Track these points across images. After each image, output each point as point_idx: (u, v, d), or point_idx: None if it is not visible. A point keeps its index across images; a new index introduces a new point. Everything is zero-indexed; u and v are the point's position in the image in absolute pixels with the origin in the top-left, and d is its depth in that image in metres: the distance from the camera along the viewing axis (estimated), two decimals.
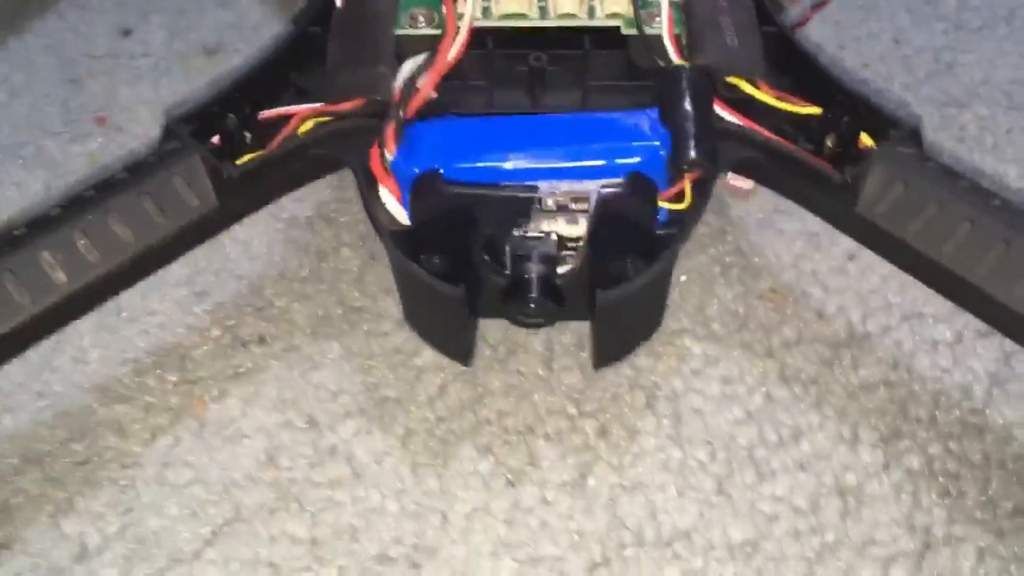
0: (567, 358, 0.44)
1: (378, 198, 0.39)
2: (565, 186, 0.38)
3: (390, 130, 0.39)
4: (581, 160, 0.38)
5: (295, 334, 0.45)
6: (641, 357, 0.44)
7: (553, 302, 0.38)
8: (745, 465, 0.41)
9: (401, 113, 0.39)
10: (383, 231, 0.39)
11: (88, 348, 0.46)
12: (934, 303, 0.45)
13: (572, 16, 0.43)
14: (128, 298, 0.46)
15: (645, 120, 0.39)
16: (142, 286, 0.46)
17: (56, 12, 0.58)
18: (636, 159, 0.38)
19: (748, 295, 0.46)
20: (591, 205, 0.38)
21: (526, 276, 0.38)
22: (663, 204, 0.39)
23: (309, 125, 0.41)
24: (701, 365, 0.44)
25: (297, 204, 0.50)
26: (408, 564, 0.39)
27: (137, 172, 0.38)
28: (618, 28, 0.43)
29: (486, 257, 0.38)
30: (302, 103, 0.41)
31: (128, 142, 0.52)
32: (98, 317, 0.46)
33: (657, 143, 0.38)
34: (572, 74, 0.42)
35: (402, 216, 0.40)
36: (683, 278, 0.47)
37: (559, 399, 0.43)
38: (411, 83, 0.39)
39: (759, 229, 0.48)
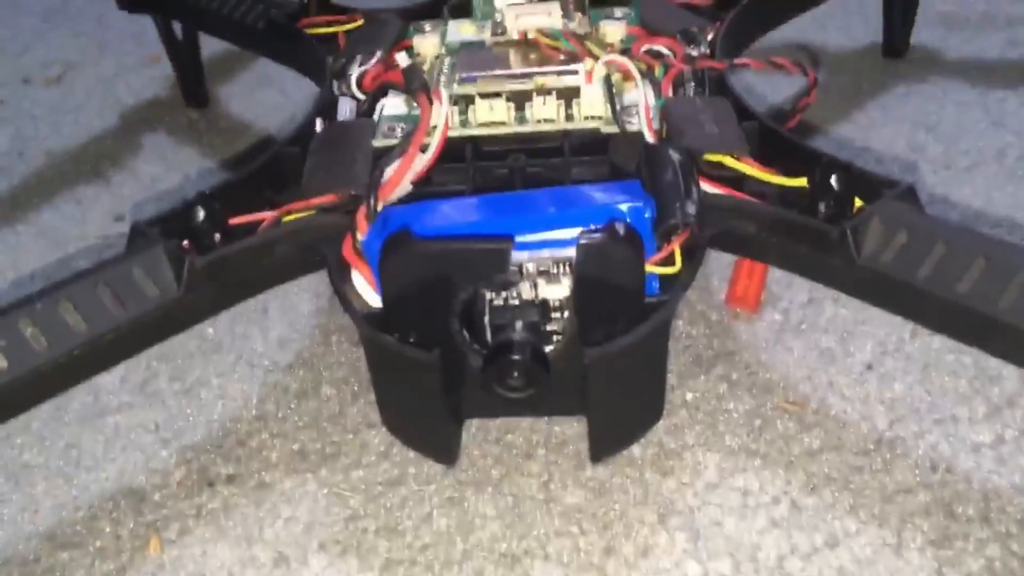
0: (566, 478, 0.40)
1: (350, 282, 0.37)
2: (547, 252, 0.35)
3: (361, 212, 0.37)
4: (562, 226, 0.35)
5: (268, 471, 0.41)
6: (648, 473, 0.40)
7: (539, 367, 0.34)
8: None
9: (373, 199, 0.37)
10: (354, 312, 0.36)
11: (40, 497, 0.42)
12: (967, 407, 0.42)
13: (551, 121, 0.43)
14: (89, 446, 0.43)
15: (627, 187, 0.37)
16: (105, 433, 0.43)
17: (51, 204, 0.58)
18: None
19: (761, 408, 0.42)
20: (572, 263, 0.35)
21: (508, 340, 0.34)
22: (652, 269, 0.36)
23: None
24: (716, 478, 0.39)
25: (277, 351, 0.47)
26: None
27: (99, 265, 0.36)
28: (597, 129, 0.42)
29: (464, 332, 0.35)
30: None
31: None
32: (55, 465, 0.42)
33: (641, 203, 0.36)
34: (554, 178, 0.41)
35: (375, 301, 0.37)
36: (688, 396, 0.43)
37: (559, 520, 0.38)
38: (381, 174, 0.38)
39: (768, 348, 0.45)
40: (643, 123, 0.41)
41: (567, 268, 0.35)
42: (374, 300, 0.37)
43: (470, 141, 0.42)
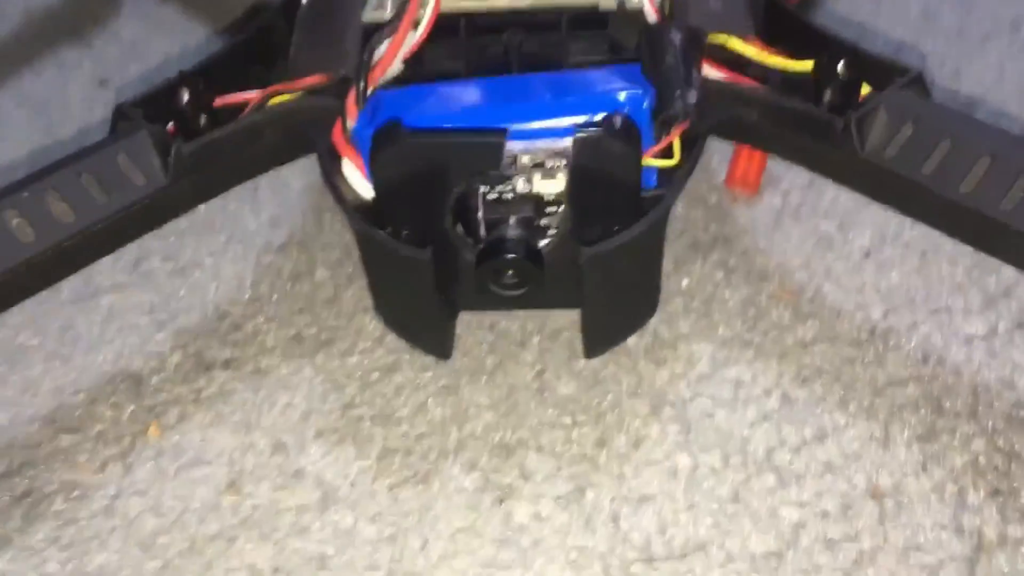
0: (560, 368, 0.40)
1: (340, 172, 0.36)
2: (542, 143, 0.34)
3: (351, 97, 0.36)
4: (558, 115, 0.34)
5: (264, 356, 0.42)
6: (642, 363, 0.40)
7: (532, 264, 0.34)
8: (764, 469, 0.36)
9: (362, 83, 0.36)
10: (346, 204, 0.36)
11: (38, 378, 0.42)
12: (963, 297, 0.41)
13: None
14: (84, 328, 0.42)
15: (626, 73, 0.35)
16: (100, 314, 0.43)
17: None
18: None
19: (757, 296, 0.42)
20: (568, 156, 0.34)
21: (502, 237, 0.34)
22: (650, 162, 0.35)
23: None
24: (709, 369, 0.40)
25: (269, 231, 0.47)
26: None
27: (83, 152, 0.35)
28: (596, 6, 0.40)
29: (458, 227, 0.34)
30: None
31: None
32: (51, 347, 0.42)
33: (639, 91, 0.35)
34: (551, 56, 0.39)
35: (367, 191, 0.36)
36: (684, 282, 0.43)
37: (552, 410, 0.39)
38: (371, 55, 0.36)
39: (766, 233, 0.45)
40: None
41: (563, 161, 0.34)
42: (365, 190, 0.36)
43: (464, 15, 0.40)
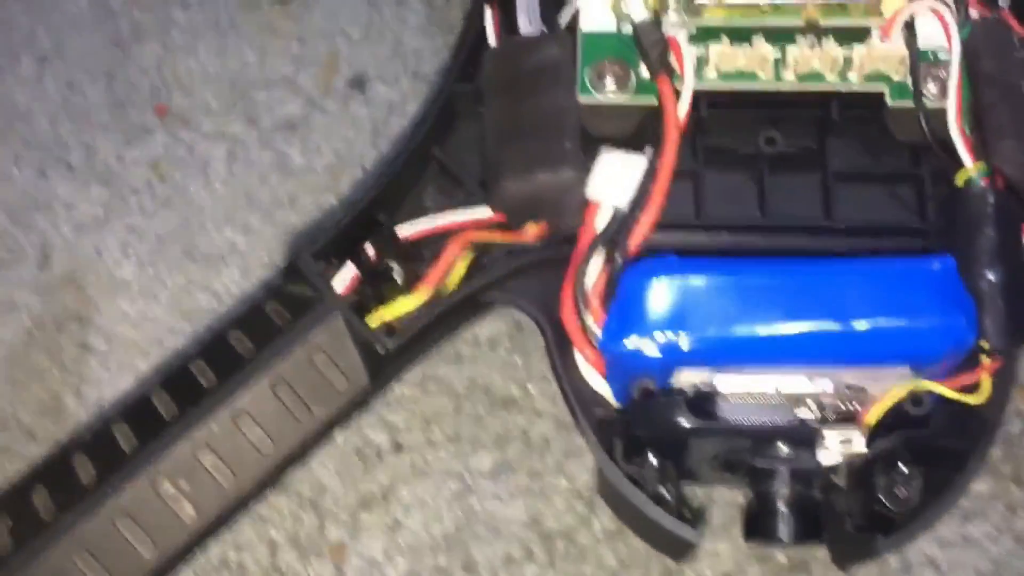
0: None
1: (574, 364, 0.30)
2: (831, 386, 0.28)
3: (596, 295, 0.29)
4: (863, 359, 0.28)
5: None
6: None
7: (808, 534, 0.30)
8: None
9: (619, 258, 0.28)
10: (584, 415, 0.30)
11: None
12: None
13: (818, 77, 0.31)
14: None
15: (946, 283, 0.28)
16: None
17: None
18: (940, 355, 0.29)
19: None
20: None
21: (772, 495, 0.29)
22: (949, 393, 0.30)
23: (468, 260, 0.31)
24: None
25: None
26: None
27: (266, 343, 0.29)
28: (881, 95, 0.31)
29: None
30: (446, 201, 0.32)
31: (197, 142, 0.41)
32: None
33: (964, 321, 0.28)
34: (803, 154, 0.31)
35: (606, 389, 0.30)
36: None
37: None
38: (628, 216, 0.28)
39: None
40: (952, 99, 0.31)
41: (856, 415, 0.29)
42: (605, 388, 0.31)
43: (706, 97, 0.32)
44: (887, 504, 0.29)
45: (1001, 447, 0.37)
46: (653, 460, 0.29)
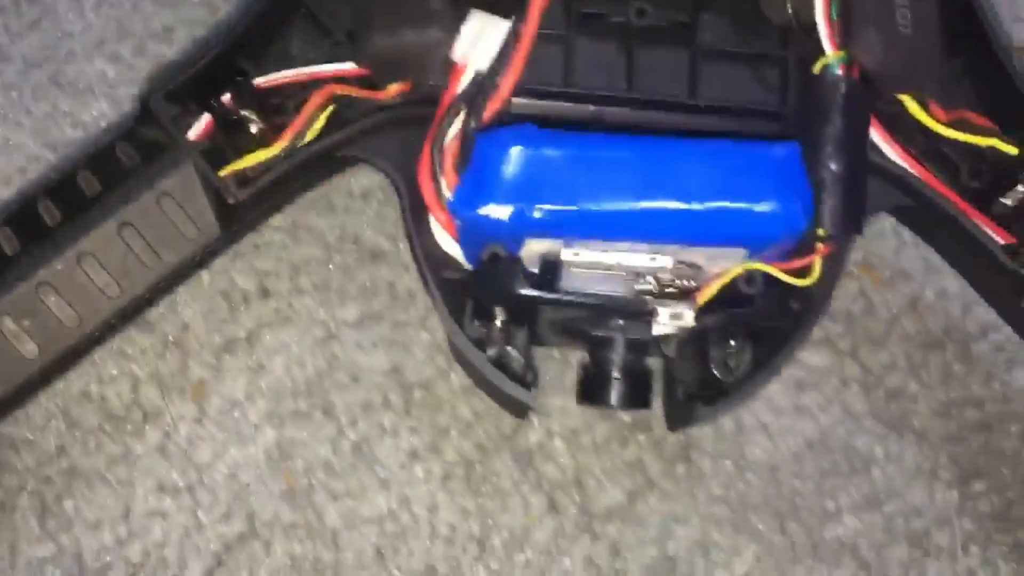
0: None
1: (427, 227, 0.30)
2: (670, 262, 0.29)
3: (449, 159, 0.29)
4: (702, 240, 0.29)
5: None
6: None
7: (636, 401, 0.31)
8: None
9: (473, 123, 0.29)
10: (432, 277, 0.31)
11: None
12: None
13: None
14: None
15: (787, 170, 0.29)
16: None
17: None
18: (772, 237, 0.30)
19: None
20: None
21: (606, 362, 0.31)
22: (780, 274, 0.31)
23: (327, 113, 0.30)
24: None
25: None
26: None
27: (115, 185, 0.29)
28: None
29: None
30: (312, 55, 0.31)
31: None
32: None
33: (799, 208, 0.29)
34: (675, 28, 0.31)
35: (457, 251, 0.31)
36: None
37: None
38: (487, 78, 0.29)
39: None
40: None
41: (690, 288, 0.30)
42: (456, 251, 0.31)
43: None
44: (717, 374, 0.31)
45: (842, 324, 0.39)
46: (499, 323, 0.30)
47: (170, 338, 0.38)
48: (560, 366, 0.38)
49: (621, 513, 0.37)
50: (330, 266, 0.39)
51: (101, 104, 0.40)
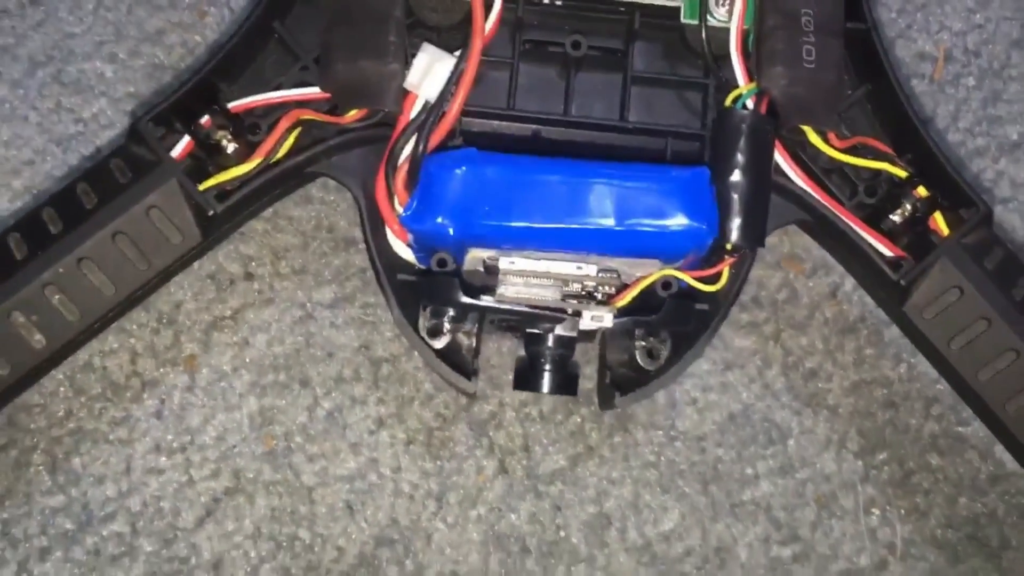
0: None
1: (383, 235, 0.35)
2: (594, 271, 0.34)
3: (401, 179, 0.33)
4: (621, 252, 0.33)
5: None
6: None
7: (564, 387, 0.36)
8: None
9: (420, 148, 0.33)
10: (387, 279, 0.35)
11: None
12: None
13: None
14: None
15: (693, 193, 0.33)
16: None
17: None
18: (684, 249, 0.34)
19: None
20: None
21: (539, 355, 0.36)
22: (690, 280, 0.35)
23: (295, 135, 0.35)
24: None
25: None
26: None
27: (109, 198, 0.34)
28: (677, 9, 0.35)
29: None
30: (282, 78, 0.35)
31: None
32: None
33: (704, 227, 0.33)
34: (609, 56, 0.35)
35: (410, 256, 0.36)
36: None
37: None
38: (434, 108, 0.33)
39: None
40: (734, 21, 0.35)
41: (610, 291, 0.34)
42: (409, 255, 0.36)
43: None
44: (640, 363, 0.35)
45: (768, 310, 0.43)
46: (447, 320, 0.35)
47: (164, 316, 0.42)
48: (516, 345, 0.42)
49: (563, 476, 0.42)
50: (308, 252, 0.43)
51: (100, 102, 0.44)
